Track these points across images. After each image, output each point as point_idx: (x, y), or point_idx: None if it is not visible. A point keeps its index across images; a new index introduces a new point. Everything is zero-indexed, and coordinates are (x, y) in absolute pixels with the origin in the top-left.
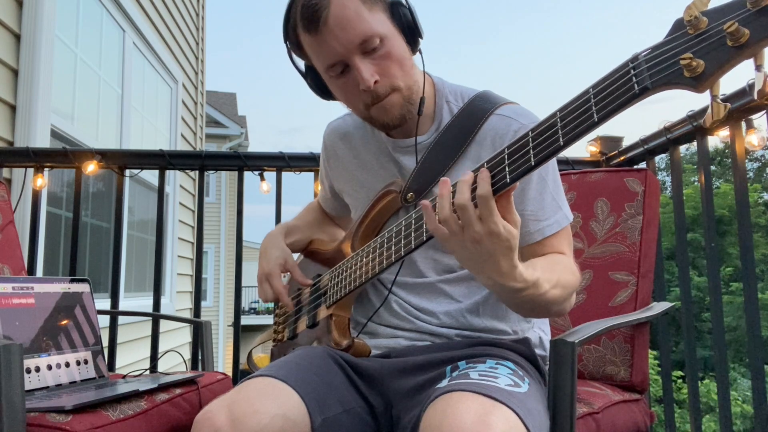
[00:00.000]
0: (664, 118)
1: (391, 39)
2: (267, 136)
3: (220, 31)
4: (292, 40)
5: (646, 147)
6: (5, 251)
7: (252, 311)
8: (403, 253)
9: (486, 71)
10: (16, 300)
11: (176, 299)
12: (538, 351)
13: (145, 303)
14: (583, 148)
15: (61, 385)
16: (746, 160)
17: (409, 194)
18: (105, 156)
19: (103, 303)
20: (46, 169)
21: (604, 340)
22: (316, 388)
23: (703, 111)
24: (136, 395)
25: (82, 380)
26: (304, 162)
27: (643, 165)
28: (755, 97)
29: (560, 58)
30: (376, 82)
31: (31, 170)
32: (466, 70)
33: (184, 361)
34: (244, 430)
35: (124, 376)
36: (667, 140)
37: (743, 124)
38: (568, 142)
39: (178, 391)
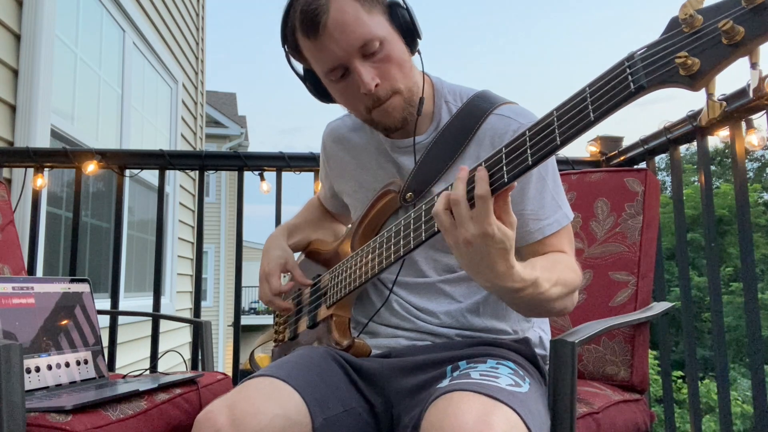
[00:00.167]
0: (664, 118)
1: (390, 41)
2: (267, 136)
3: (221, 31)
4: (291, 45)
5: (646, 147)
6: (5, 251)
7: (252, 311)
8: (402, 253)
9: (486, 72)
10: (16, 300)
11: (176, 299)
12: (538, 350)
13: (145, 303)
14: (583, 148)
15: (61, 385)
16: (746, 160)
17: (408, 194)
18: (105, 156)
19: (103, 303)
20: (46, 169)
21: (604, 340)
22: (316, 388)
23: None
24: (136, 395)
25: (82, 380)
26: (304, 162)
27: (643, 165)
28: (751, 94)
29: (560, 58)
30: (377, 85)
31: (31, 170)
32: (467, 70)
33: (184, 361)
34: (245, 430)
35: (124, 376)
36: (667, 140)
37: (743, 124)
38: (565, 141)
39: (178, 391)
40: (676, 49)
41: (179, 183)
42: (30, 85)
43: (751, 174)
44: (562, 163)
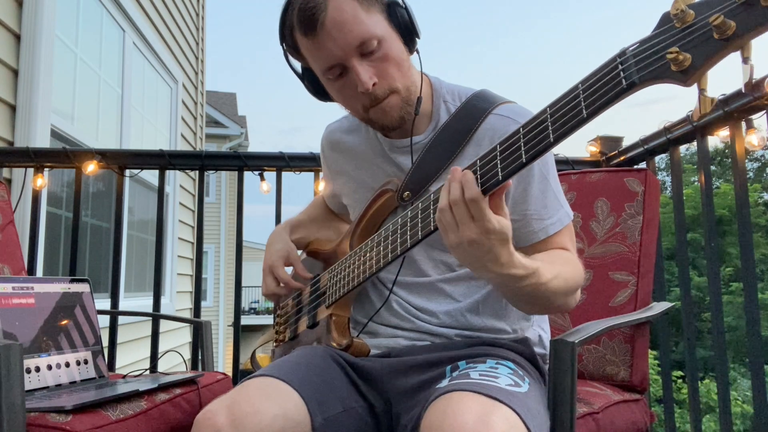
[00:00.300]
0: (664, 118)
1: (388, 40)
2: (267, 136)
3: (221, 31)
4: (289, 43)
5: (646, 147)
6: (5, 251)
7: (252, 311)
8: (399, 252)
9: (486, 72)
10: (16, 300)
11: (176, 299)
12: (537, 349)
13: (145, 303)
14: (583, 148)
15: (61, 385)
16: (746, 160)
17: (406, 193)
18: (105, 156)
19: (103, 303)
20: (46, 169)
21: (604, 340)
22: (316, 388)
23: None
24: (136, 395)
25: (82, 380)
26: (304, 162)
27: (643, 165)
28: (743, 89)
29: (560, 59)
30: (374, 84)
31: (31, 170)
32: (467, 71)
33: (184, 361)
34: (245, 430)
35: (124, 376)
36: (667, 140)
37: (743, 124)
38: (559, 138)
39: (178, 391)
40: (667, 44)
41: (179, 183)
42: (30, 85)
43: (751, 174)
44: (562, 163)
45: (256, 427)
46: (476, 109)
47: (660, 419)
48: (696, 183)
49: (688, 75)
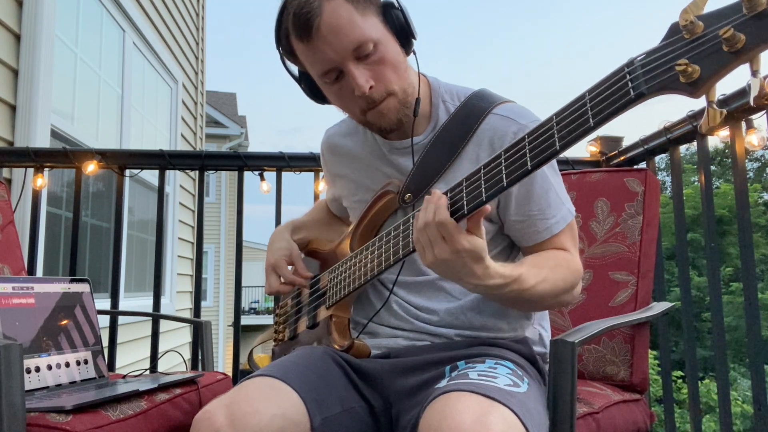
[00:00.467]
0: (664, 118)
1: (384, 43)
2: (267, 136)
3: (220, 31)
4: (285, 47)
5: (646, 147)
6: (5, 251)
7: (252, 311)
8: (401, 255)
9: (486, 72)
10: (16, 300)
11: (176, 299)
12: (537, 348)
13: (145, 303)
14: (583, 148)
15: (61, 385)
16: (746, 160)
17: (407, 195)
18: (105, 156)
19: (103, 303)
20: (46, 169)
21: (604, 340)
22: (315, 388)
23: (704, 111)
24: (136, 395)
25: (82, 380)
26: (304, 162)
27: (643, 165)
28: (752, 102)
29: (559, 59)
30: (371, 87)
31: (31, 170)
32: (467, 71)
33: (184, 361)
34: (244, 429)
35: (124, 376)
36: (667, 140)
37: (743, 124)
38: (565, 146)
39: (178, 391)
40: (676, 56)
41: (179, 183)
42: (30, 85)
43: (751, 174)
44: (562, 163)
45: (254, 427)
46: (476, 108)
47: (660, 419)
48: (696, 183)
49: (697, 87)
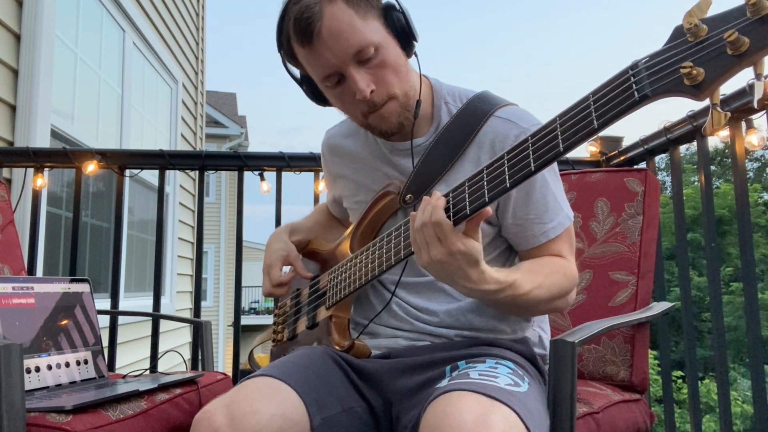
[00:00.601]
0: (664, 118)
1: (385, 47)
2: (267, 136)
3: (220, 31)
4: (286, 51)
5: (646, 147)
6: (5, 251)
7: (252, 311)
8: (402, 255)
9: (485, 72)
10: (16, 300)
11: (176, 299)
12: (537, 350)
13: (145, 303)
14: (583, 149)
15: (61, 385)
16: (746, 160)
17: (408, 196)
18: (105, 156)
19: (103, 303)
20: (46, 169)
21: (604, 340)
22: (315, 388)
23: (704, 111)
24: (136, 395)
25: (82, 380)
26: (304, 162)
27: (643, 165)
28: (755, 105)
29: (559, 59)
30: (372, 91)
31: (31, 170)
32: (467, 71)
33: (184, 361)
34: (243, 429)
35: (124, 376)
36: (667, 140)
37: (743, 124)
38: (569, 148)
39: (178, 391)
40: (680, 58)
41: (179, 183)
42: (30, 85)
43: (751, 174)
44: (562, 163)
45: (254, 426)
46: (478, 110)
47: (660, 419)
48: (696, 183)
49: (701, 90)
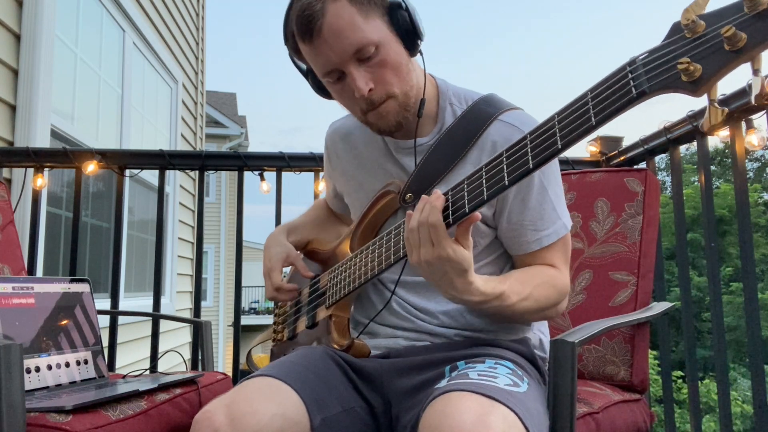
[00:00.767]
0: (664, 118)
1: (386, 46)
2: (267, 136)
3: (220, 31)
4: (291, 45)
5: (646, 147)
6: (5, 251)
7: (252, 311)
8: (402, 254)
9: (486, 72)
10: (16, 300)
11: (176, 299)
12: (537, 352)
13: (145, 303)
14: (583, 148)
15: (61, 385)
16: (746, 160)
17: (408, 195)
18: (105, 156)
19: (103, 303)
20: (46, 169)
21: (604, 340)
22: (315, 388)
23: (704, 111)
24: (136, 395)
25: (82, 380)
26: (304, 162)
27: (643, 165)
28: (753, 101)
29: (559, 59)
30: (370, 90)
31: (31, 170)
32: (467, 72)
33: (184, 361)
34: (243, 429)
35: (124, 376)
36: (667, 140)
37: (743, 124)
38: (567, 145)
39: (178, 391)
40: (678, 54)
41: (179, 183)
42: (30, 85)
43: (751, 174)
44: (562, 163)
45: (254, 426)
46: (482, 113)
47: (660, 419)
48: (696, 183)
49: (699, 85)
